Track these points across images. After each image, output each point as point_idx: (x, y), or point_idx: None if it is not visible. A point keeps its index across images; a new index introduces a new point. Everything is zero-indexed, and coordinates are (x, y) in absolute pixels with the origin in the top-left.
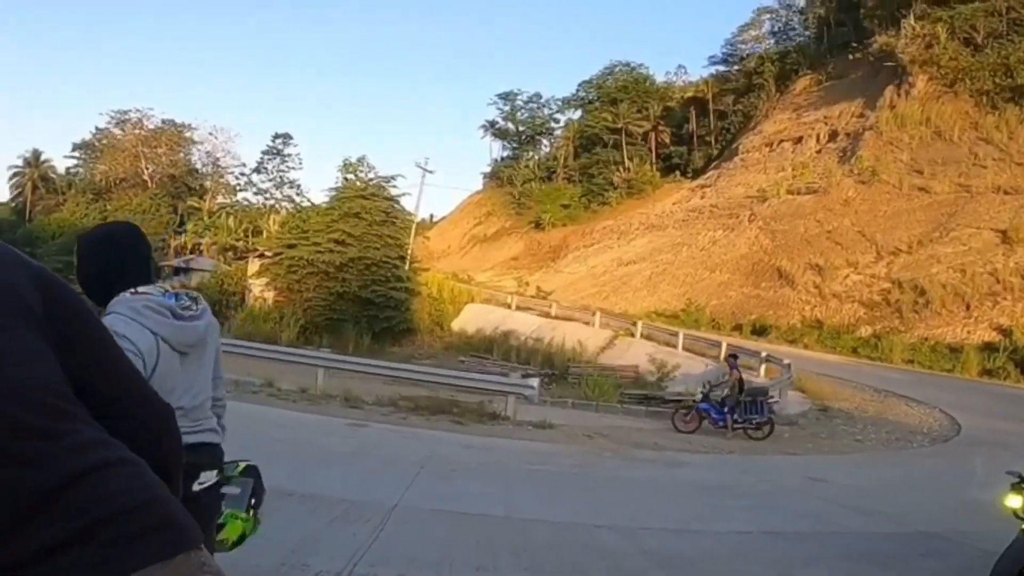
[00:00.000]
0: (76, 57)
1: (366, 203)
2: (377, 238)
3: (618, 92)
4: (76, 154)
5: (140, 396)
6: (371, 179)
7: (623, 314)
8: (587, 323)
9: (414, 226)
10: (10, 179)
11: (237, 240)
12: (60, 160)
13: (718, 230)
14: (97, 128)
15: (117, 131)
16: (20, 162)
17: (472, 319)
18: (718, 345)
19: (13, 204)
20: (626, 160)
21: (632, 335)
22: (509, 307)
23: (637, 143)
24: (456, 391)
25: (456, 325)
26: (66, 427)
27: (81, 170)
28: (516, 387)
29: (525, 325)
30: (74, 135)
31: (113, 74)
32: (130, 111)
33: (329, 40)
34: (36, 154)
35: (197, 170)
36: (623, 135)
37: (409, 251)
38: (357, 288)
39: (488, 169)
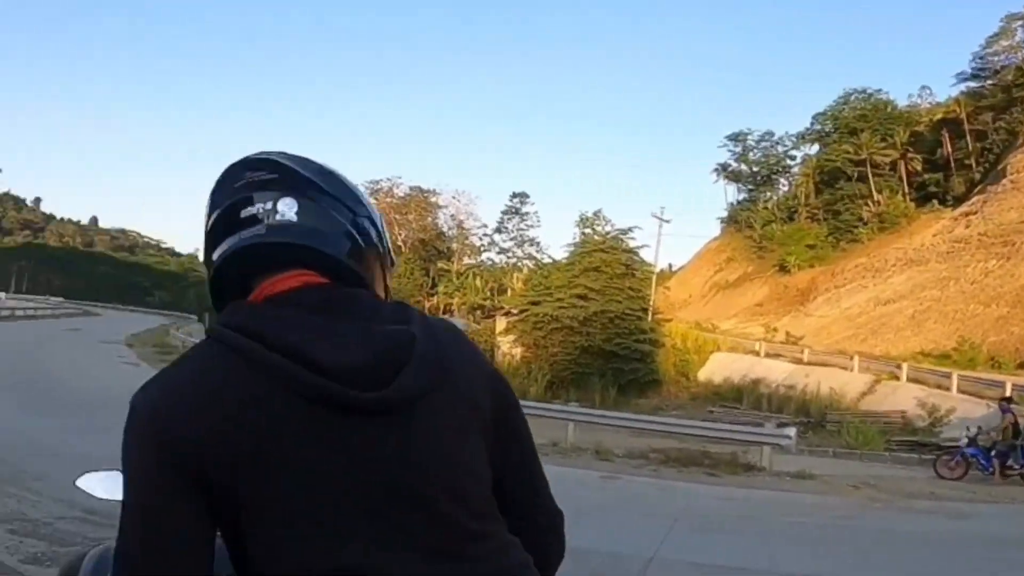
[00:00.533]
0: (329, 130)
1: (605, 256)
2: (618, 291)
3: (857, 121)
4: None
5: (544, 501)
6: (608, 232)
7: (884, 357)
8: (844, 368)
9: (654, 277)
10: None
11: (484, 299)
12: None
13: (991, 260)
14: None
15: (372, 200)
16: None
17: (719, 368)
18: (1000, 385)
19: None
20: (874, 193)
21: (896, 378)
22: (757, 354)
23: (885, 174)
24: (707, 442)
25: (702, 375)
26: (493, 528)
27: None
28: (772, 437)
29: (775, 372)
30: None
31: (366, 145)
32: (381, 180)
33: (556, 100)
34: None
35: (444, 233)
36: (868, 166)
37: (651, 302)
38: (601, 341)
39: (724, 214)
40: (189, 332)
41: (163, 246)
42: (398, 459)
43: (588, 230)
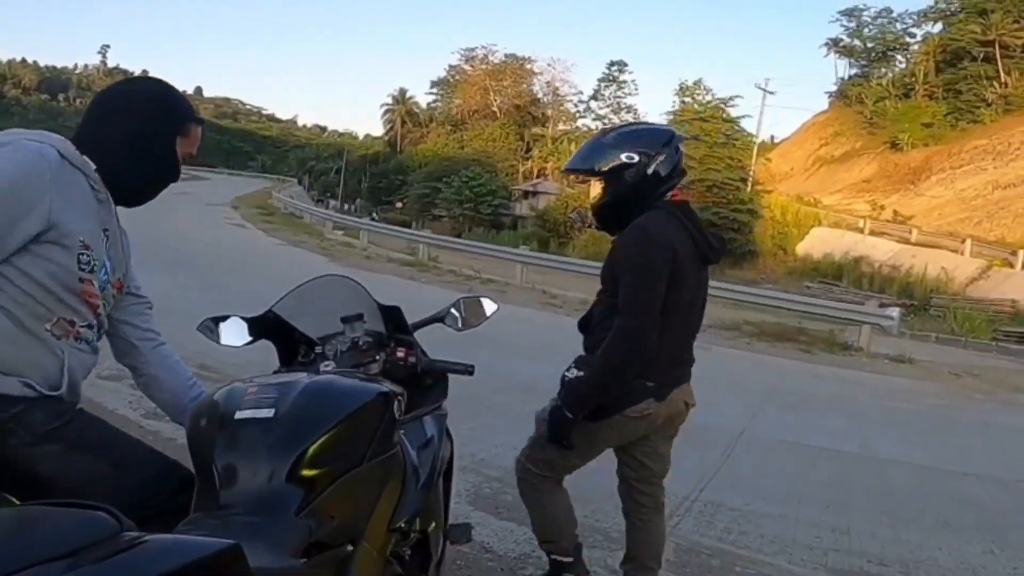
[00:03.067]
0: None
1: (705, 125)
2: (717, 160)
3: (987, 1)
4: (434, 90)
5: None
6: (709, 102)
7: (999, 242)
8: (954, 251)
9: (755, 148)
10: (383, 115)
11: None
12: (422, 96)
13: None
14: (450, 65)
15: (467, 67)
16: (390, 100)
17: (819, 244)
18: None
19: (387, 138)
20: (1002, 75)
21: (1011, 266)
22: (861, 231)
23: (1016, 55)
24: (803, 317)
25: (801, 250)
26: None
27: (439, 104)
28: (872, 316)
29: (879, 251)
30: (432, 73)
31: (462, 13)
32: (476, 48)
33: None
34: (402, 92)
35: (539, 100)
36: (996, 47)
37: (751, 173)
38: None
39: (833, 88)
40: (291, 195)
41: (264, 112)
42: (703, 289)
43: (688, 99)
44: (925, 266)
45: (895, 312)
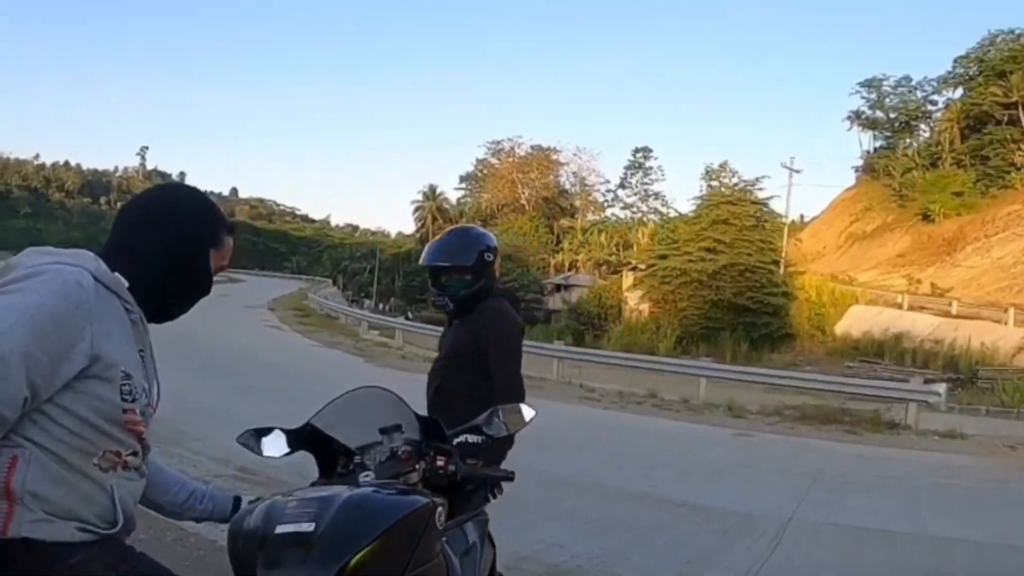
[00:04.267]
0: (454, 95)
1: (733, 209)
2: (748, 243)
3: (1005, 63)
4: (463, 185)
5: None
6: (735, 184)
7: None
8: (997, 321)
9: (785, 228)
10: (414, 212)
11: (610, 255)
12: (451, 192)
13: None
14: (478, 159)
15: (494, 160)
16: (420, 197)
17: (857, 322)
18: None
19: (418, 235)
20: None
21: None
22: (899, 307)
23: None
24: (847, 398)
25: (839, 329)
26: None
27: (469, 199)
28: (918, 393)
29: (920, 326)
30: (460, 167)
31: (488, 107)
32: (503, 140)
33: (676, 49)
34: (432, 188)
35: (566, 190)
36: (1020, 109)
37: (783, 255)
38: (731, 295)
39: (859, 162)
40: (325, 295)
41: (298, 213)
42: None
43: (714, 182)
44: (968, 338)
45: (942, 388)
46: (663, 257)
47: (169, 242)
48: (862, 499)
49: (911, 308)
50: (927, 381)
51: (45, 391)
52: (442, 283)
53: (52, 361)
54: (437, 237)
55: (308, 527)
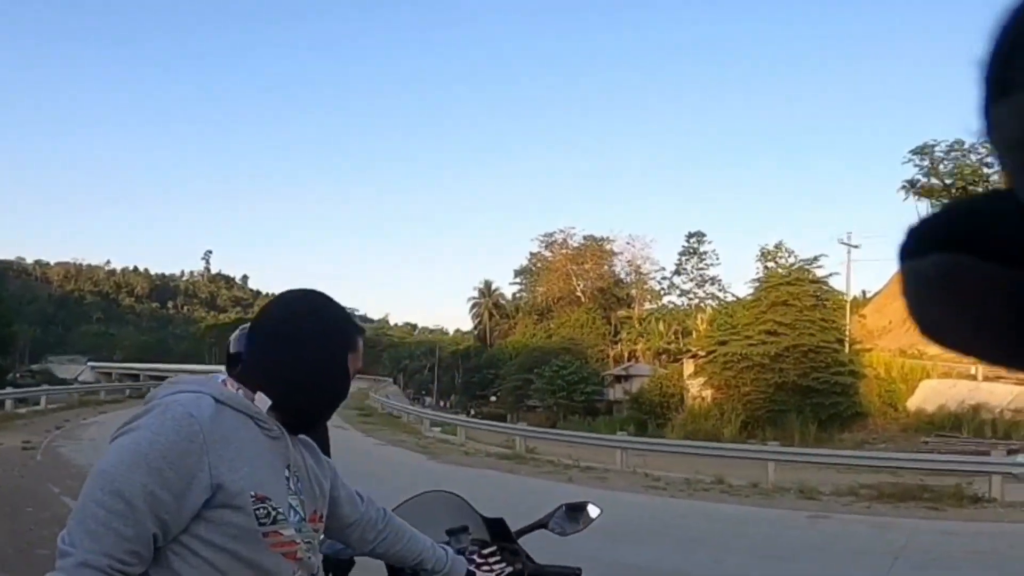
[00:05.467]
0: (506, 188)
1: (792, 289)
2: (810, 323)
3: None
4: (518, 280)
5: None
6: (792, 264)
7: None
8: None
9: (847, 306)
10: (470, 309)
11: (669, 343)
12: (506, 287)
13: None
14: (531, 253)
15: (547, 253)
16: (476, 293)
17: (930, 396)
18: None
19: (476, 331)
20: None
21: None
22: (974, 378)
23: None
24: (925, 474)
25: (912, 404)
26: None
27: (524, 294)
28: (1001, 465)
29: (997, 396)
30: (514, 261)
31: (540, 199)
32: (555, 232)
33: (723, 130)
34: (488, 284)
35: (621, 280)
36: None
37: (847, 332)
38: (796, 377)
39: None
40: (387, 394)
41: (357, 313)
42: None
43: (771, 263)
44: None
45: None
46: (723, 343)
47: (310, 359)
48: (949, 575)
49: (986, 379)
50: (1010, 452)
51: (175, 525)
52: None
53: (174, 496)
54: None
55: None
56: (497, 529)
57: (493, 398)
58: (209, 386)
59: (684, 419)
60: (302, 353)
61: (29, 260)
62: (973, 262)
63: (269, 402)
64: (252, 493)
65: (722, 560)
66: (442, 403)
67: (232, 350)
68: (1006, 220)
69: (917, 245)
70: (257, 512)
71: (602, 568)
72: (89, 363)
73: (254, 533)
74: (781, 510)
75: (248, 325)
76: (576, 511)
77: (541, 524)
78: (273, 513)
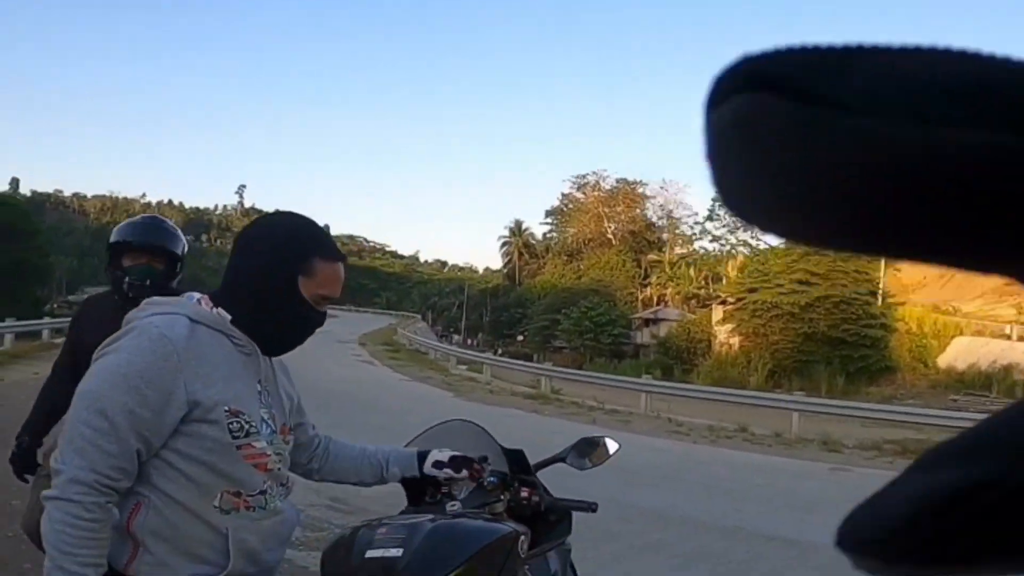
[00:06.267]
0: (539, 129)
1: None
2: (843, 274)
3: None
4: (549, 220)
5: None
6: None
7: None
8: None
9: (883, 259)
10: (500, 247)
11: (699, 289)
12: (537, 227)
13: None
14: (563, 194)
15: (579, 195)
16: (506, 232)
17: (962, 354)
18: None
19: (505, 270)
20: None
21: None
22: (1008, 338)
23: None
24: (951, 432)
25: (943, 362)
26: None
27: (555, 234)
28: None
29: None
30: (545, 202)
31: (573, 140)
32: (587, 174)
33: None
34: (518, 224)
35: (653, 224)
36: None
37: (880, 285)
38: (826, 328)
39: None
40: (415, 331)
41: (387, 249)
42: None
43: None
44: None
45: None
46: (753, 290)
47: (252, 273)
48: None
49: (1020, 338)
50: None
51: (156, 440)
52: (144, 266)
53: (153, 413)
54: (137, 219)
55: (396, 553)
56: (516, 460)
57: (520, 337)
58: (184, 306)
59: (711, 365)
60: (248, 271)
61: (67, 193)
62: (773, 99)
63: (228, 317)
64: (226, 408)
65: (741, 508)
66: (469, 341)
67: None
68: (810, 58)
69: (719, 94)
70: (231, 426)
71: (620, 509)
72: None
73: (228, 446)
74: (803, 461)
75: None
76: (594, 446)
77: (559, 458)
78: (246, 427)
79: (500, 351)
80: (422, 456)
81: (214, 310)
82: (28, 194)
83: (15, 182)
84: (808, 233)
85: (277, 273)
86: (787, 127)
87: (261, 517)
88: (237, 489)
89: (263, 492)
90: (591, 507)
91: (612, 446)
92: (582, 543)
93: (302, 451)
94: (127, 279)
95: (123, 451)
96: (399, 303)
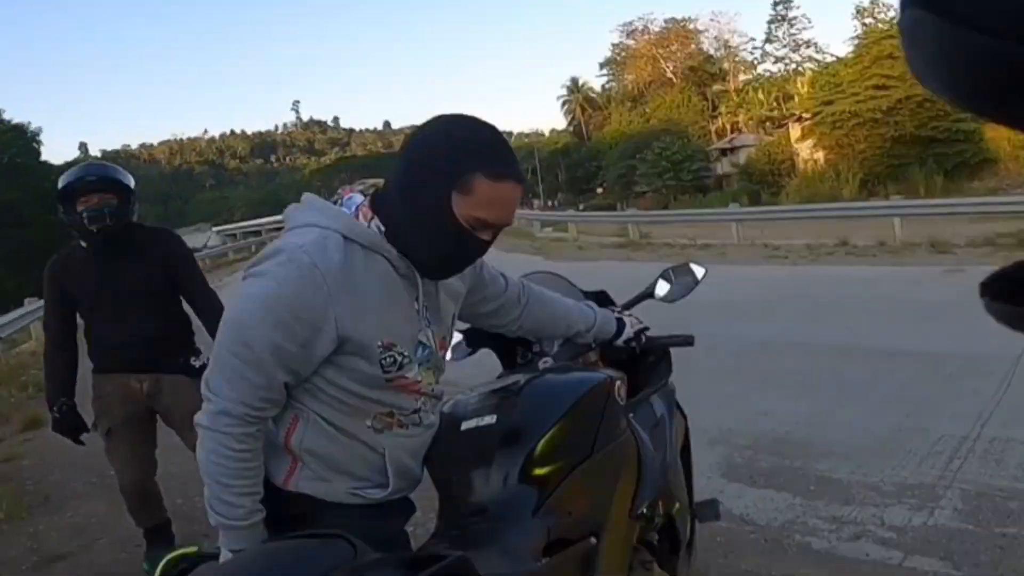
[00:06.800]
0: None
1: (897, 41)
2: None
3: None
4: (604, 72)
5: None
6: (893, 17)
7: None
8: None
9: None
10: (562, 107)
11: (771, 110)
12: (594, 80)
13: None
14: (613, 44)
15: (630, 42)
16: (564, 91)
17: None
18: None
19: (571, 128)
20: None
21: None
22: None
23: None
24: None
25: None
26: None
27: (614, 84)
28: None
29: None
30: (597, 55)
31: None
32: (634, 20)
33: None
34: (575, 80)
35: (711, 56)
36: None
37: None
38: (914, 128)
39: None
40: None
41: None
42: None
43: (868, 20)
44: None
45: None
46: (829, 103)
47: (412, 180)
48: None
49: None
50: None
51: (305, 370)
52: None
53: (300, 346)
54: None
55: (490, 420)
56: (601, 303)
57: (599, 190)
58: (339, 219)
59: (798, 184)
60: (404, 178)
61: (134, 146)
62: (927, 16)
63: (383, 229)
64: (379, 342)
65: (852, 327)
66: (549, 203)
67: None
68: None
69: (903, 3)
70: (383, 361)
71: (725, 343)
72: (213, 228)
73: (379, 379)
74: (913, 267)
75: None
76: (679, 275)
77: (646, 294)
78: (399, 359)
79: (582, 207)
80: (620, 325)
81: (372, 222)
82: (98, 155)
83: (83, 146)
84: (964, 108)
85: (430, 186)
86: (937, 40)
87: (415, 435)
88: (390, 411)
89: (416, 411)
90: (687, 340)
91: (699, 271)
92: (694, 385)
93: (505, 312)
94: (86, 215)
95: (270, 383)
96: None
